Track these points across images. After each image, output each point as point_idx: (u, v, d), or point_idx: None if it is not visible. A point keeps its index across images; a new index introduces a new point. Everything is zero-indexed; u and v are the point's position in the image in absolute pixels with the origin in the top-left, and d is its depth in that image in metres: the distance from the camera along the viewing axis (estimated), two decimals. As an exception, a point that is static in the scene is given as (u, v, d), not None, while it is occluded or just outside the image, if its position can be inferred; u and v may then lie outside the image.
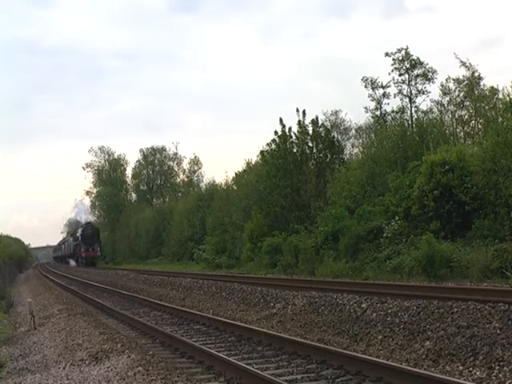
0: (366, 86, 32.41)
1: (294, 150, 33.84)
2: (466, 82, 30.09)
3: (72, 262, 70.90)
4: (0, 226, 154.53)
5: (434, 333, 8.41)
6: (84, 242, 65.23)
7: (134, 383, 7.33)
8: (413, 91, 31.02)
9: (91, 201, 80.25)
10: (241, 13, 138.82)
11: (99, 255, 66.78)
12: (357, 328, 9.90)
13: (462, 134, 30.50)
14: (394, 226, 22.49)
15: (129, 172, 77.86)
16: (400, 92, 31.19)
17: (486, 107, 28.15)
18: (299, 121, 33.62)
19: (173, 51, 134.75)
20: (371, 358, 7.58)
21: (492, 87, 28.20)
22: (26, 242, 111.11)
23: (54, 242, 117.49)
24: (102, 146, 77.41)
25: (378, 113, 32.68)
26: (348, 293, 12.09)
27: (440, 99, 31.24)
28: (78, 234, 68.39)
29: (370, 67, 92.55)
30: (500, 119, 22.89)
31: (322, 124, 34.81)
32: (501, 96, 25.14)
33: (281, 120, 34.28)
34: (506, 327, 7.67)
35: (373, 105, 32.54)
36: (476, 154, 22.13)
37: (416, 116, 31.03)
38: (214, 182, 51.98)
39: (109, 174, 76.90)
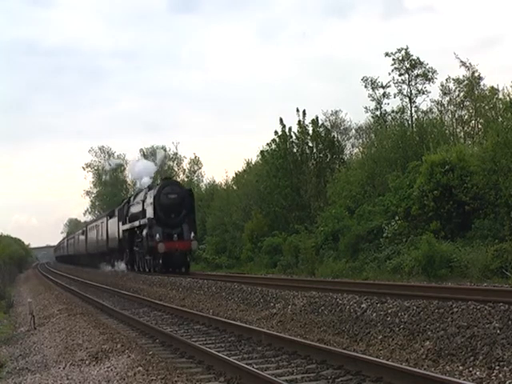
0: (365, 86, 32.45)
1: (294, 150, 33.89)
2: (465, 82, 30.10)
3: (119, 265, 36.62)
4: (0, 226, 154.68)
5: (434, 333, 8.40)
6: (162, 221, 28.76)
7: (134, 383, 7.33)
8: (413, 91, 31.06)
9: (91, 201, 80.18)
10: (240, 13, 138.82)
11: (195, 248, 30.29)
12: (357, 328, 9.90)
13: (462, 134, 30.51)
14: (394, 226, 22.51)
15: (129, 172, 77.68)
16: (400, 92, 31.23)
17: (486, 107, 28.17)
18: (299, 121, 33.68)
19: (173, 51, 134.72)
20: (371, 358, 7.58)
21: (492, 87, 28.23)
22: (26, 242, 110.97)
23: (54, 241, 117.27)
24: (102, 146, 77.19)
25: (378, 113, 32.71)
26: (348, 293, 12.09)
27: (440, 99, 31.29)
28: (142, 206, 31.20)
29: (369, 67, 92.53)
30: (500, 119, 22.93)
31: (322, 124, 34.86)
32: (501, 96, 25.21)
33: (281, 120, 34.35)
34: (506, 327, 7.67)
35: (373, 105, 32.59)
36: (476, 153, 22.16)
37: (416, 116, 31.07)
38: (214, 181, 51.94)
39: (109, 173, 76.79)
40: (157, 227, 28.28)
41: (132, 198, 35.20)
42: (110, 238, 39.58)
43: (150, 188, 31.61)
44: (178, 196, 28.85)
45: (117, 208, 39.53)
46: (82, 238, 56.11)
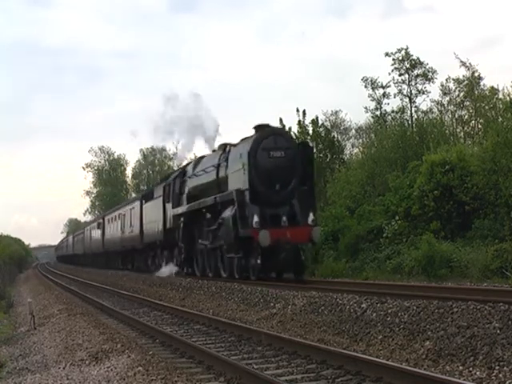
0: (365, 86, 32.50)
1: (294, 150, 33.79)
2: (465, 82, 30.15)
3: (165, 266, 25.48)
4: (0, 226, 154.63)
5: (433, 333, 8.40)
6: (261, 195, 17.52)
7: (134, 383, 7.33)
8: (413, 91, 31.11)
9: (91, 201, 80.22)
10: (240, 12, 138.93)
11: (318, 238, 17.86)
12: (357, 328, 9.89)
13: (462, 134, 30.55)
14: (394, 226, 22.52)
15: (129, 172, 77.79)
16: (400, 92, 31.29)
17: (486, 107, 28.21)
18: (299, 121, 33.63)
19: (172, 51, 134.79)
20: (371, 358, 7.58)
21: (492, 87, 28.29)
22: (26, 242, 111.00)
23: (55, 241, 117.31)
24: (102, 146, 77.46)
25: (378, 113, 32.74)
26: (348, 293, 12.08)
27: (440, 99, 31.35)
28: (215, 174, 20.31)
29: (369, 67, 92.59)
30: (500, 119, 22.97)
31: (322, 124, 34.84)
32: (501, 96, 25.26)
33: (281, 120, 34.22)
34: (506, 327, 7.66)
35: (373, 105, 32.63)
36: (476, 153, 22.20)
37: (416, 116, 31.12)
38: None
39: (109, 173, 76.90)
40: (252, 206, 17.21)
41: (191, 167, 23.76)
42: (148, 229, 28.92)
43: (228, 146, 20.10)
44: (286, 154, 17.70)
45: (158, 185, 28.80)
46: (97, 232, 45.79)
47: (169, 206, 25.37)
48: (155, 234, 27.56)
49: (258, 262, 17.22)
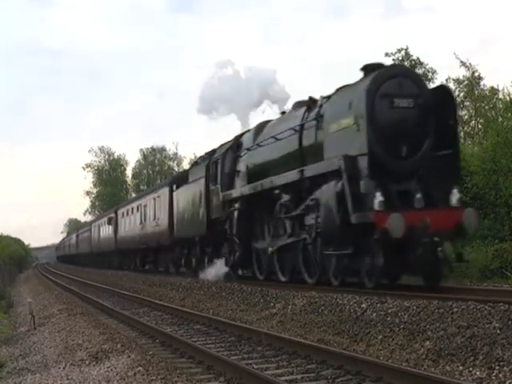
0: (366, 86, 32.43)
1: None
2: (465, 82, 30.16)
3: (215, 269, 19.54)
4: (0, 226, 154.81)
5: (433, 333, 8.40)
6: (381, 164, 11.42)
7: (134, 383, 7.33)
8: (413, 91, 31.05)
9: (91, 201, 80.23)
10: (240, 12, 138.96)
11: (473, 224, 11.36)
12: (357, 328, 9.89)
13: (462, 134, 30.55)
14: (394, 225, 22.46)
15: (129, 172, 77.85)
16: (400, 92, 31.21)
17: (486, 107, 28.21)
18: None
19: (173, 50, 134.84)
20: (371, 359, 7.58)
21: (492, 87, 28.29)
22: (26, 242, 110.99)
23: (55, 241, 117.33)
24: (102, 146, 77.51)
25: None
26: (348, 293, 12.08)
27: (440, 99, 31.28)
28: (297, 140, 14.23)
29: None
30: (500, 119, 22.99)
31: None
32: (501, 96, 25.26)
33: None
34: (506, 327, 7.66)
35: (373, 105, 32.56)
36: (476, 153, 22.19)
37: (416, 116, 31.04)
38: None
39: (109, 174, 76.95)
40: (368, 180, 11.56)
41: (249, 137, 18.10)
42: (181, 221, 23.45)
43: (320, 99, 14.24)
44: (415, 104, 12.07)
45: (196, 166, 23.37)
46: (107, 228, 40.41)
47: (215, 189, 19.53)
48: (193, 227, 21.69)
49: (381, 261, 11.50)
